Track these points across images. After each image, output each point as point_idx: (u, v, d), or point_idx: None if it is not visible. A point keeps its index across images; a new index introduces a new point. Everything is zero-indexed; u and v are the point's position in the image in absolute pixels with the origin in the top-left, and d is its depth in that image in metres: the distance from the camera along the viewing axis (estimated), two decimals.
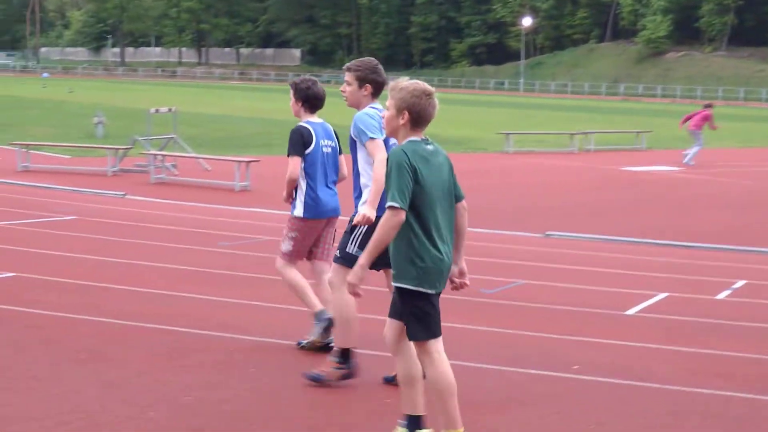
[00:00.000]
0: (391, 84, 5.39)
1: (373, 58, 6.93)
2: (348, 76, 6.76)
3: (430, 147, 5.27)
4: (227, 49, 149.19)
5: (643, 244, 14.16)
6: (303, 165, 7.29)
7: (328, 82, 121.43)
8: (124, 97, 58.59)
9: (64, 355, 7.18)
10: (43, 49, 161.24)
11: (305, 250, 7.49)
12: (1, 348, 7.33)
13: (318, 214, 7.36)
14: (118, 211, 15.46)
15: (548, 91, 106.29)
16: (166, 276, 10.38)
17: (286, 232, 7.43)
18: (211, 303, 9.17)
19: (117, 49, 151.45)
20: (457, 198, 5.41)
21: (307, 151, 7.29)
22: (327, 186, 7.43)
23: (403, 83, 5.30)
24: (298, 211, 7.34)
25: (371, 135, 6.45)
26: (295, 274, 7.43)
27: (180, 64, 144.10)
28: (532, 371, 7.19)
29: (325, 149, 7.38)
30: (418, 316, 5.20)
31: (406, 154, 5.13)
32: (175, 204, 16.76)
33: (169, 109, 23.05)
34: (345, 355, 6.65)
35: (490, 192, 20.24)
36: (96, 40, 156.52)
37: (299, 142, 7.29)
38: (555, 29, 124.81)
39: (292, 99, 7.49)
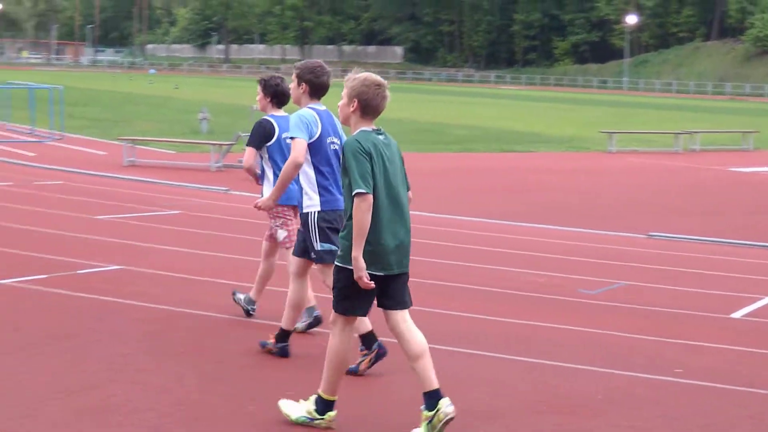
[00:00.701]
0: (347, 75, 5.77)
1: (318, 61, 7.38)
2: (293, 75, 7.22)
3: (381, 137, 5.61)
4: (330, 47, 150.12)
5: (749, 246, 13.86)
6: (261, 158, 7.86)
7: (430, 80, 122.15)
8: (227, 94, 59.38)
9: (167, 348, 7.29)
10: (149, 46, 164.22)
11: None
12: (106, 339, 7.47)
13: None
14: (221, 206, 15.66)
15: (653, 89, 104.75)
16: (213, 265, 10.48)
17: (274, 221, 8.03)
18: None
19: (221, 46, 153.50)
20: (407, 187, 5.74)
21: (268, 143, 7.81)
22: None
23: (357, 75, 5.70)
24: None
25: (293, 134, 6.90)
26: (268, 264, 8.27)
27: (283, 61, 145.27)
28: (634, 374, 7.08)
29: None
30: (350, 294, 5.52)
31: (359, 141, 5.47)
32: None
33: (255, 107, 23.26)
34: (286, 335, 7.23)
35: (592, 191, 20.04)
36: (201, 37, 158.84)
37: (261, 134, 7.83)
38: (660, 27, 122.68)
39: (260, 94, 7.98)
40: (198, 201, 16.04)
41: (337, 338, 5.62)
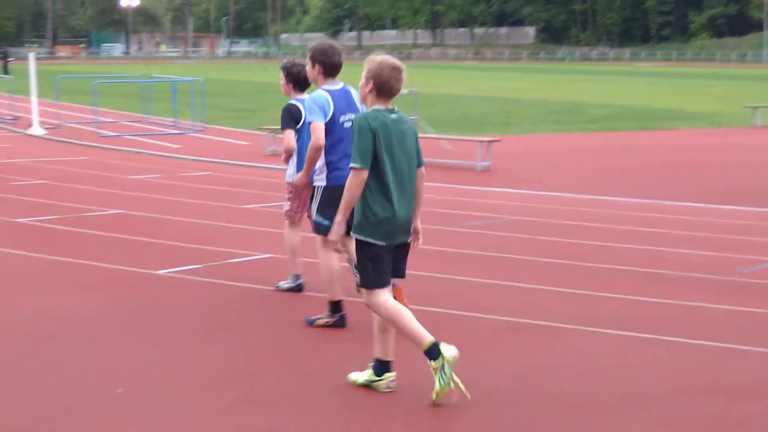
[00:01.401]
0: (368, 57, 6.11)
1: (329, 41, 7.92)
2: (307, 57, 7.65)
3: (393, 116, 5.97)
4: (461, 30, 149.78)
5: None
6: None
7: (563, 59, 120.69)
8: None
9: (326, 335, 7.36)
10: (283, 36, 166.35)
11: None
12: (262, 329, 7.58)
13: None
14: None
15: None
16: (416, 256, 10.45)
17: (290, 196, 8.53)
18: (463, 283, 9.23)
19: (353, 33, 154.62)
20: (418, 164, 6.06)
21: (297, 126, 8.21)
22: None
23: (377, 56, 6.05)
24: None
25: (310, 119, 7.38)
26: (294, 237, 8.70)
27: (415, 46, 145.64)
28: None
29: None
30: (369, 266, 5.91)
31: (366, 119, 5.86)
32: None
33: (410, 91, 23.35)
34: (336, 306, 7.53)
35: (739, 168, 19.48)
36: (333, 25, 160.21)
37: (291, 117, 8.27)
38: None
39: (283, 80, 8.49)
40: None
41: (378, 310, 5.94)
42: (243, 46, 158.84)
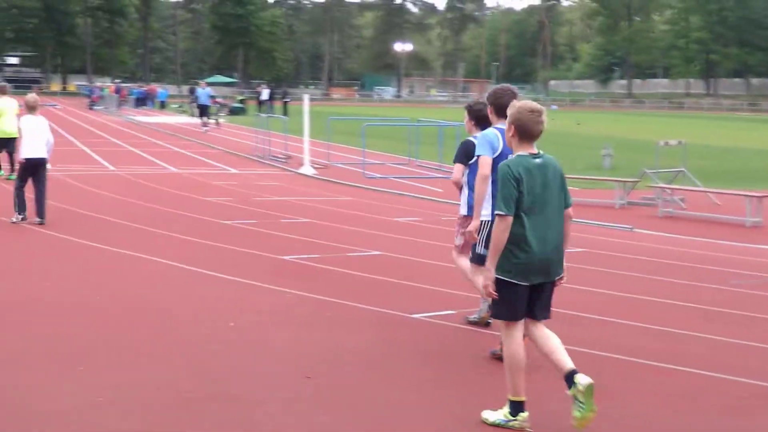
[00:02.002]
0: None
1: (504, 85, 8.35)
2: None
3: (537, 161, 6.23)
4: (736, 80, 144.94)
5: None
6: (467, 172, 8.76)
7: None
8: (630, 129, 58.71)
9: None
10: (552, 82, 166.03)
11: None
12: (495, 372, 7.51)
13: None
14: (625, 244, 15.40)
15: None
16: (672, 312, 10.17)
17: (457, 228, 9.07)
18: (722, 343, 8.84)
19: (624, 81, 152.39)
20: (565, 204, 6.35)
21: (470, 161, 8.58)
22: None
23: (518, 102, 6.38)
24: (463, 210, 8.91)
25: (478, 153, 7.95)
26: (465, 262, 8.83)
27: (687, 95, 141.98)
28: None
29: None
30: (503, 301, 6.20)
31: (509, 167, 6.15)
32: (683, 239, 16.40)
33: (679, 142, 22.78)
34: None
35: None
36: (603, 72, 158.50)
37: (464, 152, 8.80)
38: None
39: (466, 118, 9.08)
40: (602, 239, 15.87)
41: (505, 343, 6.33)
42: None
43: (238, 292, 10.69)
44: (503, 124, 7.51)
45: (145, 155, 31.96)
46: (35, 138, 15.55)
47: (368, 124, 30.61)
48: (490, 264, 6.16)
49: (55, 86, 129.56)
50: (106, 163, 28.38)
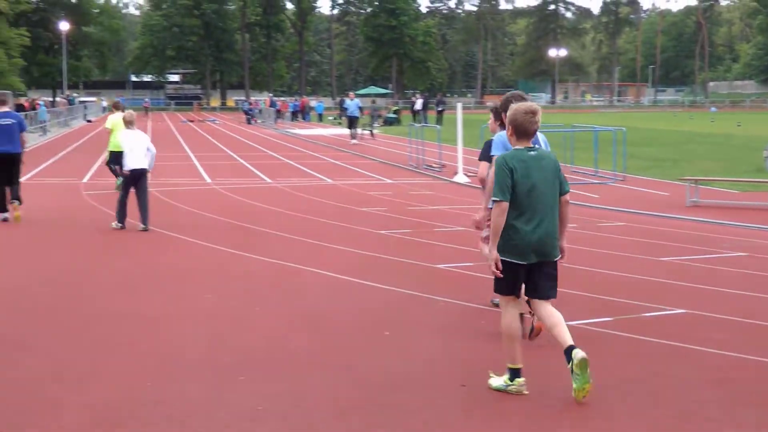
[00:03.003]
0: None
1: (517, 92, 8.99)
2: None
3: (532, 153, 7.07)
4: None
5: None
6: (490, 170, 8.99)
7: None
8: None
9: (737, 398, 7.01)
10: (711, 84, 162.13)
11: None
12: (674, 386, 7.34)
13: None
14: None
15: None
16: None
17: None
18: None
19: None
20: (562, 192, 7.16)
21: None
22: None
23: (515, 104, 7.23)
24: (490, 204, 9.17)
25: (493, 152, 8.86)
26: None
27: None
28: None
29: None
30: (503, 278, 7.05)
31: (505, 159, 7.04)
32: None
33: None
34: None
35: None
36: (764, 72, 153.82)
37: (486, 151, 9.41)
38: None
39: (491, 119, 9.72)
40: (764, 242, 15.39)
41: (502, 315, 7.20)
42: (669, 95, 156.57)
43: (392, 301, 10.76)
44: None
45: (301, 167, 32.48)
46: (136, 151, 16.67)
47: None
48: (492, 246, 7.01)
49: (215, 102, 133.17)
50: (263, 176, 28.94)
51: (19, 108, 49.15)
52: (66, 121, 72.06)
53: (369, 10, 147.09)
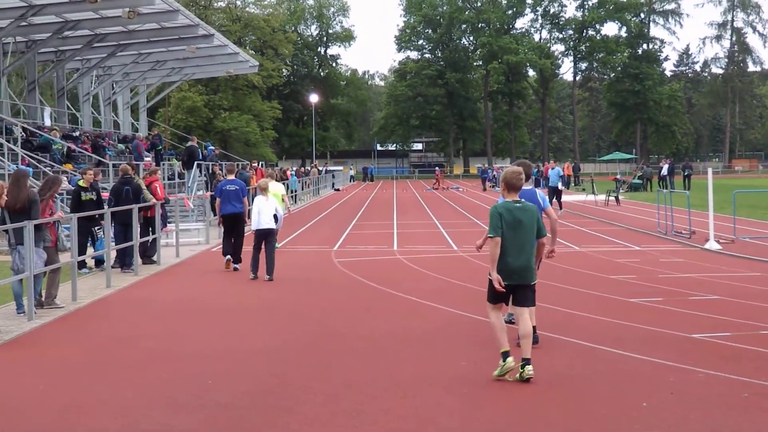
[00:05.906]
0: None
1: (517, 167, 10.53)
2: None
3: (518, 205, 9.95)
4: None
5: None
6: None
7: None
8: None
9: None
10: None
11: None
12: None
13: None
14: None
15: None
16: None
17: None
18: None
19: None
20: (539, 235, 10.16)
21: None
22: None
23: (507, 168, 10.39)
24: None
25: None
26: None
27: None
28: None
29: None
30: (492, 290, 9.97)
31: (496, 207, 9.96)
32: None
33: None
34: None
35: None
36: None
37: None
38: None
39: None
40: None
41: (489, 316, 10.24)
42: None
43: (648, 371, 10.55)
44: (527, 185, 11.82)
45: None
46: (263, 213, 19.93)
47: None
48: (492, 269, 9.84)
49: (457, 169, 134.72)
50: None
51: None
52: (317, 190, 74.70)
53: (612, 75, 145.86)
